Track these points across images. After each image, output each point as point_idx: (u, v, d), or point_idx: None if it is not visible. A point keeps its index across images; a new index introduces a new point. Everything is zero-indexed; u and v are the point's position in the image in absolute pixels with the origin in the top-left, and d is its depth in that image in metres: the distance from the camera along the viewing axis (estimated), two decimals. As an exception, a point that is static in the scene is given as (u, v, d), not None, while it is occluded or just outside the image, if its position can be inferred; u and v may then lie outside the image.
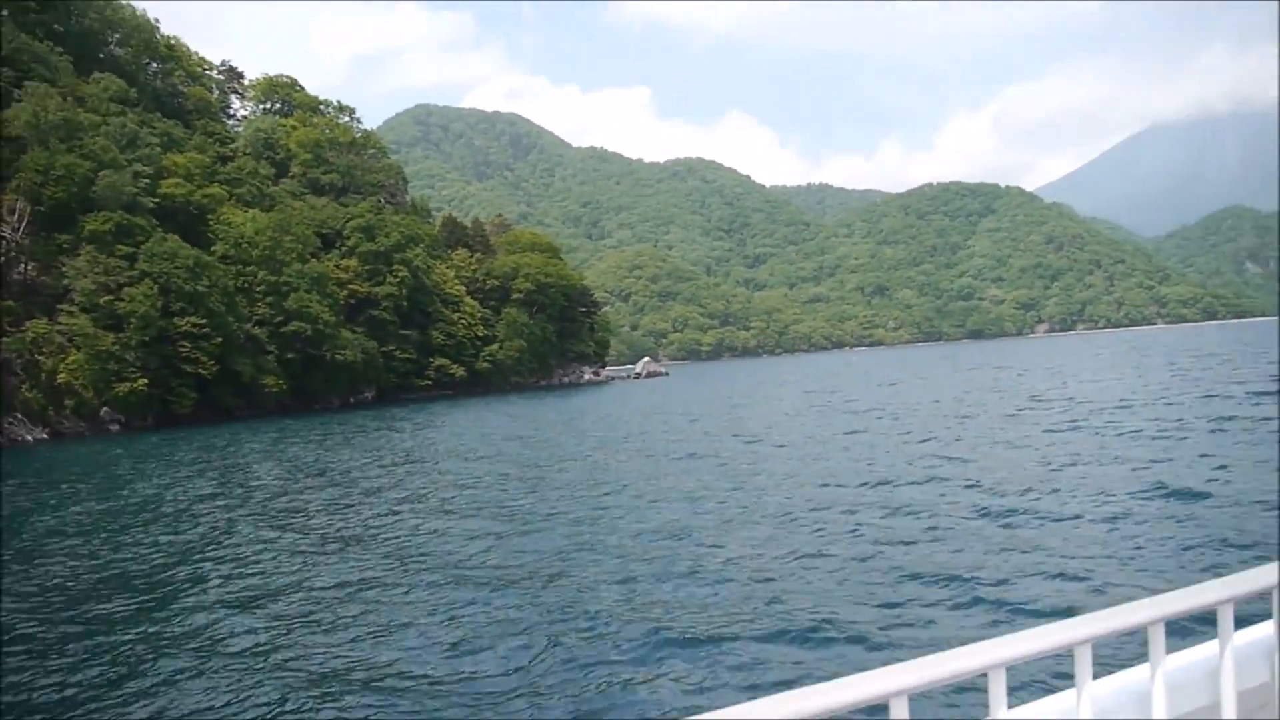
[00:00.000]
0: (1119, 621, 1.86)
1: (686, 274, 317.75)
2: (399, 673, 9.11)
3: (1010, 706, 1.79)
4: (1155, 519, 13.43)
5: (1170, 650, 2.03)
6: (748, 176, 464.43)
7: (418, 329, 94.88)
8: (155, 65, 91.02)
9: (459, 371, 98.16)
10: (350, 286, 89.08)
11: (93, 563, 15.73)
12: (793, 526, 15.18)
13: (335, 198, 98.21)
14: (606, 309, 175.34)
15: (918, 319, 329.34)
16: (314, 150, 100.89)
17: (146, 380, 63.39)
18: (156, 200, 71.92)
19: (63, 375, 60.00)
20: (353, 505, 20.97)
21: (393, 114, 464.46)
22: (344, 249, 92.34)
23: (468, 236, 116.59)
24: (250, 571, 14.40)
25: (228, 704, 8.47)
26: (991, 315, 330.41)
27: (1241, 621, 2.13)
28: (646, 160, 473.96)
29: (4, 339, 58.33)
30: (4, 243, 62.62)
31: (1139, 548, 11.90)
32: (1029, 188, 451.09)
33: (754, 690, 8.00)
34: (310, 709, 8.28)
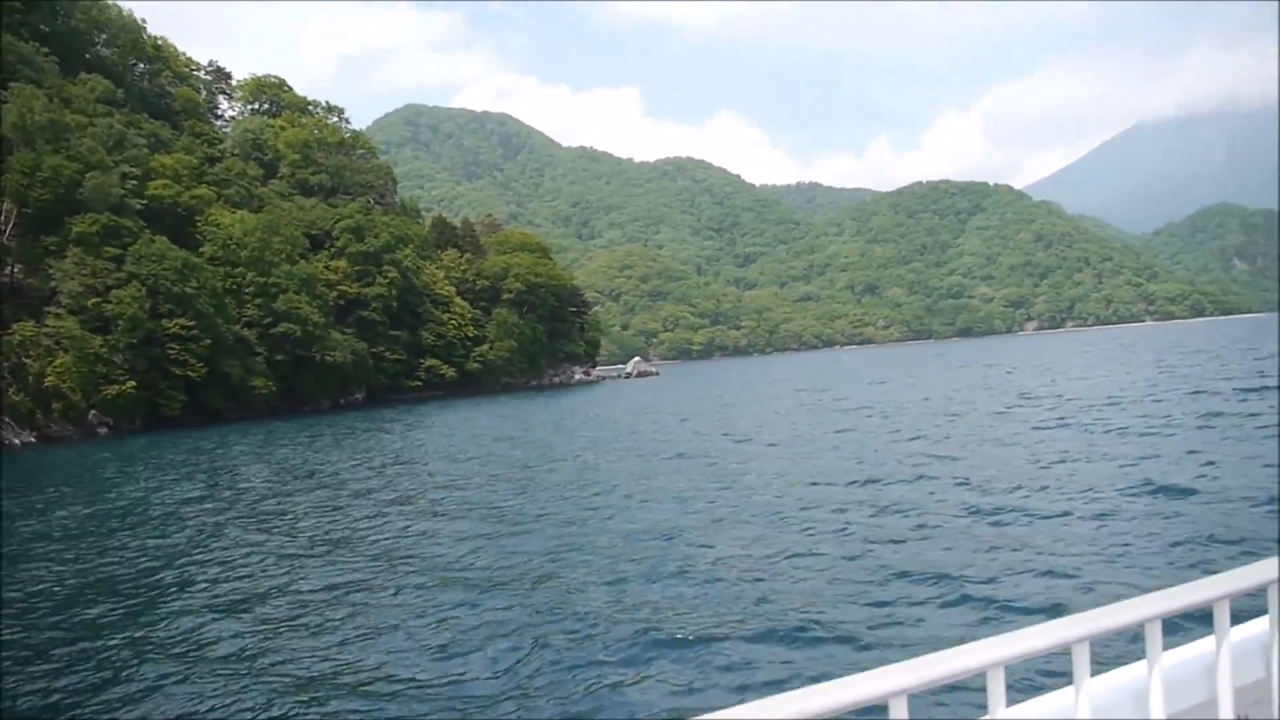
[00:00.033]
0: (1116, 619, 1.86)
1: (677, 273, 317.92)
2: (387, 676, 9.06)
3: (1009, 705, 1.79)
4: (1143, 516, 13.45)
5: (1166, 648, 2.03)
6: (737, 176, 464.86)
7: (408, 330, 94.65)
8: (142, 66, 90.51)
9: (449, 372, 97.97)
10: (340, 287, 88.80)
11: (78, 567, 15.62)
12: (782, 525, 15.16)
13: (324, 198, 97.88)
14: (597, 309, 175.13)
15: (908, 317, 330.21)
16: (303, 151, 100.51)
17: (135, 383, 63.04)
18: (144, 201, 71.55)
19: (50, 378, 59.64)
20: (341, 507, 20.89)
21: (382, 114, 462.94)
22: (333, 250, 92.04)
23: (457, 237, 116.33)
24: (237, 575, 14.32)
25: (213, 709, 8.40)
26: (981, 313, 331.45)
27: (1237, 617, 2.13)
28: (636, 160, 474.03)
29: (-10, 342, 57.95)
30: (-10, 245, 62.22)
31: (1127, 545, 11.92)
32: (1018, 186, 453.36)
33: (743, 690, 7.98)
34: (297, 714, 8.22)
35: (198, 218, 77.12)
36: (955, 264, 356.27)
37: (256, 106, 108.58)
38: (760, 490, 19.21)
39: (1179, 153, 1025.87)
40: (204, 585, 13.71)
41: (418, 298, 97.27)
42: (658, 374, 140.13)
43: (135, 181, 71.05)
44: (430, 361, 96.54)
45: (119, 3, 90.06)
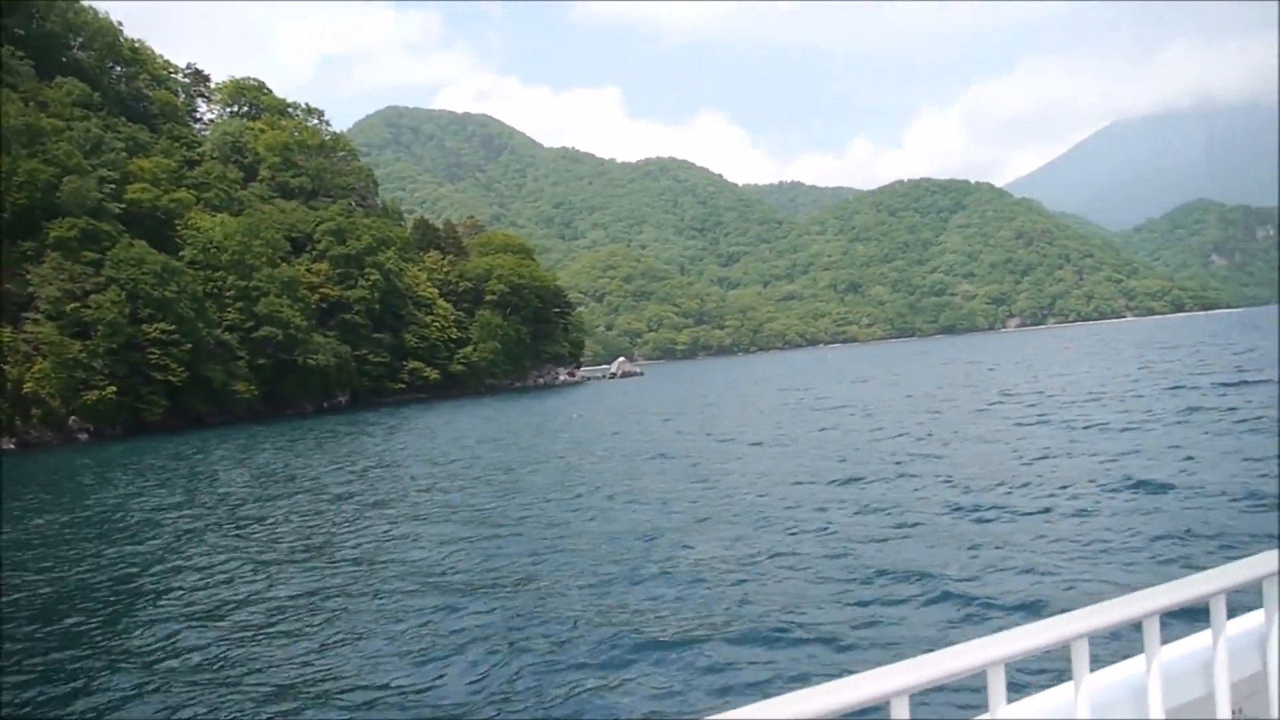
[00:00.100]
0: (1115, 615, 1.87)
1: (660, 273, 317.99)
2: (365, 682, 8.97)
3: (1009, 703, 1.79)
4: (1124, 512, 13.50)
5: (1163, 642, 2.03)
6: (720, 175, 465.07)
7: (391, 332, 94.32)
8: (119, 69, 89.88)
9: (433, 374, 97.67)
10: (321, 290, 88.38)
11: (55, 575, 15.42)
12: (765, 525, 15.14)
13: (305, 201, 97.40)
14: (581, 309, 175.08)
15: (890, 315, 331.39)
16: (283, 153, 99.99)
17: (115, 388, 62.55)
18: (122, 205, 70.99)
19: (29, 384, 59.10)
20: (321, 512, 20.75)
21: (362, 116, 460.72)
22: (315, 253, 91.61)
23: (440, 239, 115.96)
24: (215, 581, 14.18)
25: (189, 718, 8.29)
26: (963, 311, 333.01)
27: (1231, 611, 2.13)
28: (618, 160, 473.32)
29: (-33, 348, 57.37)
30: (-35, 250, 61.56)
31: (1108, 540, 11.96)
32: (998, 184, 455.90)
33: (726, 693, 7.95)
34: (273, 722, 8.12)
35: (177, 221, 76.59)
36: (937, 262, 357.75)
37: (235, 109, 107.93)
38: (743, 490, 19.20)
39: (1157, 149, 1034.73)
40: (181, 592, 13.57)
41: (400, 300, 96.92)
42: (642, 374, 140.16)
43: (113, 185, 70.48)
44: (414, 364, 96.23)
45: (95, 5, 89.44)
